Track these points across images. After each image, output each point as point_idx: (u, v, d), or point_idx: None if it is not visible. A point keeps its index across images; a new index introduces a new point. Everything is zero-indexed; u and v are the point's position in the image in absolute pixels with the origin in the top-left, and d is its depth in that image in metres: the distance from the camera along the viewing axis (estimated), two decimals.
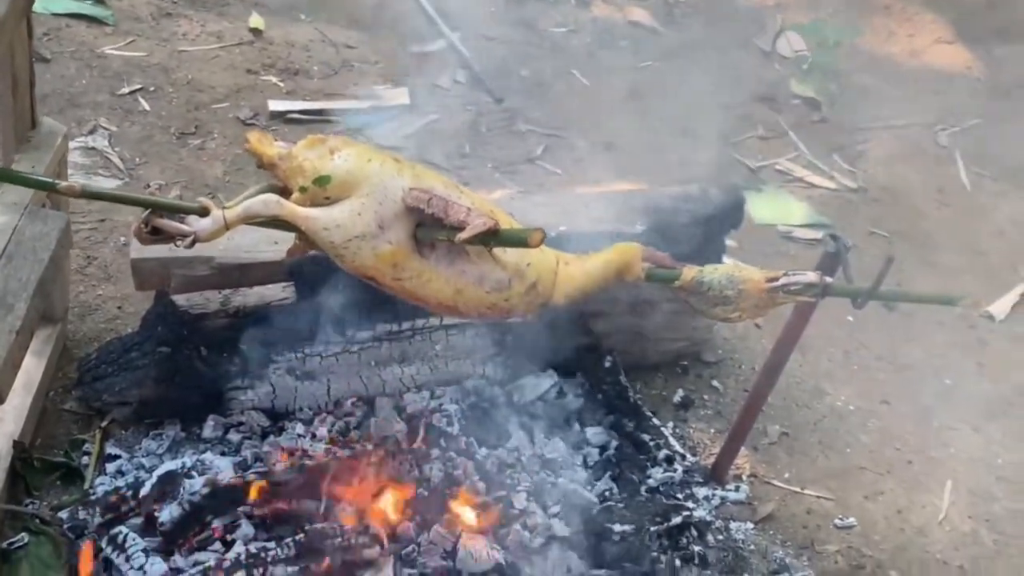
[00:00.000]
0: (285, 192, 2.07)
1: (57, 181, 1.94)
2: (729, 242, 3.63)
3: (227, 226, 2.01)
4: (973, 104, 5.02)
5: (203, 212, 2.01)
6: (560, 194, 3.88)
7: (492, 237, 1.87)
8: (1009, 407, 3.47)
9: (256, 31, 4.75)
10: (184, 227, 2.01)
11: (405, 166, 2.07)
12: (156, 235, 2.02)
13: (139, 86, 4.31)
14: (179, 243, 2.01)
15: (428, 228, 2.00)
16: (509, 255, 2.11)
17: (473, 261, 2.08)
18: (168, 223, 2.01)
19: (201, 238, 2.01)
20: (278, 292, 2.91)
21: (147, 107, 4.21)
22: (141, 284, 2.86)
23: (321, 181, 2.01)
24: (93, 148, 3.94)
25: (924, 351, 3.64)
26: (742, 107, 4.80)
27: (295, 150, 2.05)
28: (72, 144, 3.61)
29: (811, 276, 2.24)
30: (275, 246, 2.80)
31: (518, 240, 1.85)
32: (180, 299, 2.84)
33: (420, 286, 2.08)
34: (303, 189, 2.02)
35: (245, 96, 4.37)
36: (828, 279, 2.25)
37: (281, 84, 4.50)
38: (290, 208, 2.01)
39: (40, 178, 2.06)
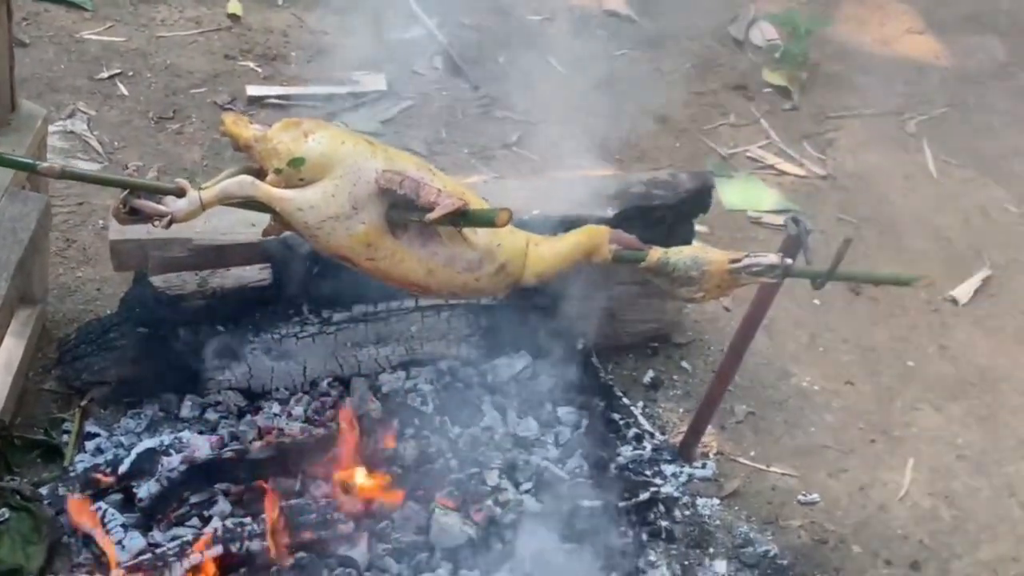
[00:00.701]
0: (260, 174, 2.11)
1: (38, 161, 1.98)
2: (699, 227, 3.71)
3: (203, 207, 2.05)
4: (941, 93, 5.09)
5: (180, 193, 2.05)
6: (534, 179, 3.94)
7: (461, 217, 1.92)
8: (970, 388, 3.56)
9: (234, 17, 4.78)
10: (161, 208, 2.05)
11: (378, 148, 2.12)
12: (134, 215, 2.07)
13: (118, 71, 4.33)
14: (156, 223, 2.06)
15: (400, 209, 2.05)
16: (480, 236, 2.17)
17: (444, 242, 2.14)
18: (146, 204, 2.05)
19: (178, 218, 2.05)
20: (255, 274, 2.95)
21: (125, 92, 4.24)
22: (120, 265, 2.90)
23: (295, 163, 2.06)
24: (72, 132, 3.97)
25: (888, 334, 3.73)
26: (714, 95, 4.87)
27: (270, 132, 2.09)
28: (51, 128, 3.64)
29: (772, 258, 2.30)
30: (252, 228, 2.84)
31: (486, 220, 1.91)
32: (158, 280, 2.89)
33: (393, 266, 2.14)
34: (278, 171, 2.07)
35: (223, 81, 4.41)
36: (789, 260, 2.32)
37: (259, 70, 4.53)
38: (265, 189, 2.06)
39: (20, 159, 2.11)
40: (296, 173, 2.06)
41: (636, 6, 5.36)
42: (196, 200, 2.04)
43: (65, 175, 2.00)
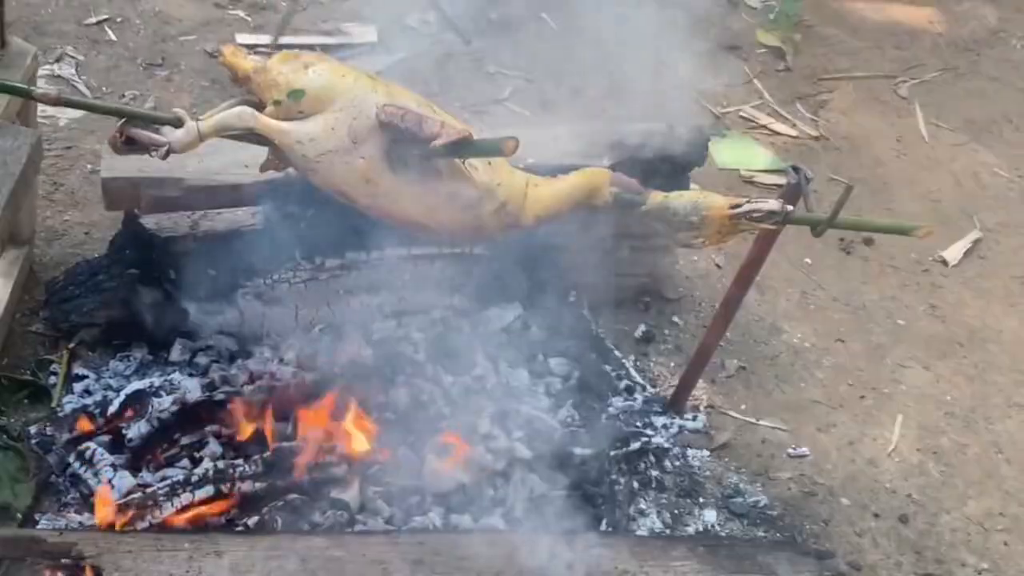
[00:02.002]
0: (259, 107, 2.09)
1: (32, 88, 1.95)
2: (692, 185, 3.69)
3: (201, 137, 2.03)
4: (934, 58, 5.09)
5: (177, 123, 2.03)
6: (528, 129, 3.91)
7: (466, 146, 1.91)
8: (959, 347, 3.57)
9: None
10: (159, 137, 2.03)
11: (379, 83, 2.11)
12: (131, 145, 2.05)
13: (106, 16, 4.28)
14: (153, 153, 2.04)
15: (401, 144, 2.03)
16: (480, 175, 2.15)
17: (445, 180, 2.12)
18: (143, 133, 2.03)
19: (175, 149, 2.03)
20: (247, 217, 2.93)
21: (114, 37, 4.19)
22: (111, 204, 2.87)
23: (295, 95, 2.04)
24: (59, 76, 3.92)
25: (878, 293, 3.74)
26: (708, 55, 4.83)
27: (269, 64, 2.07)
28: (39, 72, 3.58)
29: (773, 204, 2.31)
30: (245, 170, 2.82)
31: (492, 149, 1.89)
32: (148, 221, 2.86)
33: (391, 203, 2.12)
34: (277, 103, 2.05)
35: (212, 29, 4.35)
36: (789, 207, 2.32)
37: (249, 19, 4.48)
38: (264, 121, 2.04)
39: (16, 84, 2.07)
40: (295, 105, 2.04)
41: None
42: (194, 130, 2.02)
43: (61, 101, 1.97)
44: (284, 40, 4.33)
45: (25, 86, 1.97)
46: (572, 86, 4.49)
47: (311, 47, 4.31)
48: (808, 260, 3.79)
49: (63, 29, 4.17)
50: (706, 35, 4.92)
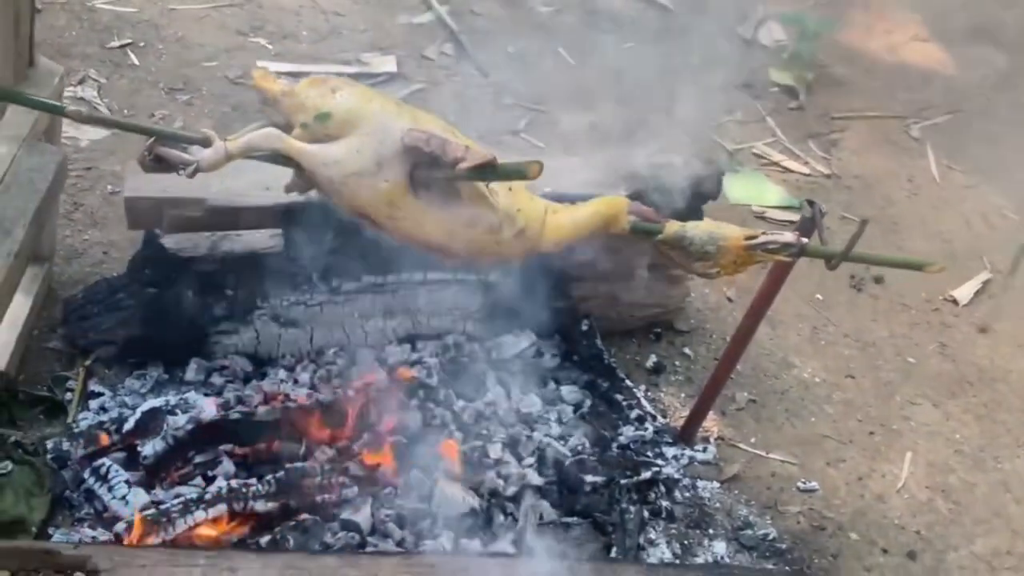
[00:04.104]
0: (287, 129, 2.12)
1: (65, 105, 1.99)
2: (705, 219, 3.72)
3: (228, 157, 2.06)
4: (945, 100, 5.14)
5: (206, 142, 2.06)
6: (544, 159, 3.94)
7: (491, 170, 1.93)
8: (968, 387, 3.59)
9: None
10: (187, 156, 2.06)
11: (404, 108, 2.13)
12: (159, 163, 2.08)
13: (129, 41, 4.34)
14: (181, 171, 2.07)
15: (425, 167, 2.06)
16: (501, 200, 2.18)
17: (466, 204, 2.15)
18: (171, 152, 2.06)
19: (203, 168, 2.06)
20: (266, 240, 2.95)
21: (136, 61, 4.24)
22: (134, 223, 2.91)
23: (322, 118, 2.07)
24: (82, 98, 3.97)
25: (889, 331, 3.75)
26: (722, 92, 4.88)
27: (298, 88, 2.10)
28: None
29: (788, 236, 2.32)
30: (267, 192, 2.85)
31: (517, 172, 1.92)
32: (169, 241, 2.89)
33: (413, 226, 2.15)
34: (304, 126, 2.08)
35: (234, 56, 4.41)
36: (804, 240, 2.34)
37: (270, 47, 4.54)
38: (291, 142, 2.07)
39: (49, 101, 2.11)
40: (322, 128, 2.07)
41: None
42: (222, 150, 2.04)
43: (92, 120, 2.02)
44: (306, 68, 4.39)
45: (59, 104, 2.01)
46: (588, 119, 4.54)
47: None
48: (819, 296, 3.82)
49: (86, 52, 4.23)
50: (720, 73, 4.98)
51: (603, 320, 3.34)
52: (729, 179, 4.20)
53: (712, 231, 2.35)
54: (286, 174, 2.23)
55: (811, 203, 2.52)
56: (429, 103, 4.47)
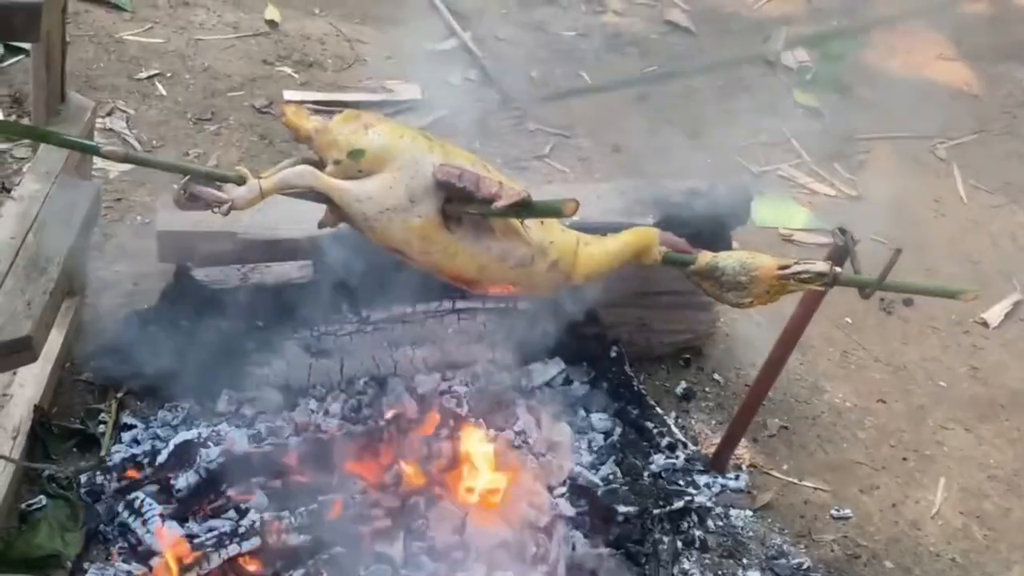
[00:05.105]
0: (319, 165, 2.13)
1: (101, 145, 2.00)
2: (734, 244, 3.71)
3: (263, 195, 2.07)
4: (972, 120, 5.12)
5: (240, 180, 2.07)
6: (571, 186, 3.96)
7: (526, 208, 1.94)
8: (1000, 410, 3.56)
9: (272, 23, 4.82)
10: (222, 195, 2.07)
11: (435, 143, 2.14)
12: (194, 201, 2.09)
13: (156, 71, 4.37)
14: (216, 210, 2.08)
15: (457, 202, 2.07)
16: (532, 233, 2.18)
17: (498, 238, 2.15)
18: (206, 190, 2.07)
19: (238, 205, 2.07)
20: (295, 271, 2.97)
21: (164, 92, 4.28)
22: (164, 256, 2.92)
23: (355, 155, 2.08)
24: (111, 129, 4.00)
25: (919, 354, 3.73)
26: (746, 114, 4.89)
27: (331, 124, 2.11)
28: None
29: (822, 265, 2.31)
30: (297, 225, 2.87)
31: (552, 210, 1.92)
32: (199, 274, 2.91)
33: (446, 260, 2.15)
34: (337, 162, 2.09)
35: (260, 85, 4.44)
36: (837, 269, 2.33)
37: (296, 75, 4.57)
38: (324, 179, 2.08)
39: (85, 141, 2.13)
40: (355, 164, 2.08)
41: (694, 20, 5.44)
42: (256, 188, 2.05)
43: (128, 159, 2.02)
44: (331, 97, 4.42)
45: (94, 143, 2.03)
46: (611, 143, 4.55)
47: (355, 104, 4.39)
48: (849, 320, 3.80)
49: (115, 83, 4.26)
50: (744, 95, 4.98)
51: (632, 346, 3.34)
52: (755, 202, 4.19)
53: (744, 261, 2.34)
54: (319, 208, 2.24)
55: (843, 231, 2.51)
56: (454, 129, 4.49)
